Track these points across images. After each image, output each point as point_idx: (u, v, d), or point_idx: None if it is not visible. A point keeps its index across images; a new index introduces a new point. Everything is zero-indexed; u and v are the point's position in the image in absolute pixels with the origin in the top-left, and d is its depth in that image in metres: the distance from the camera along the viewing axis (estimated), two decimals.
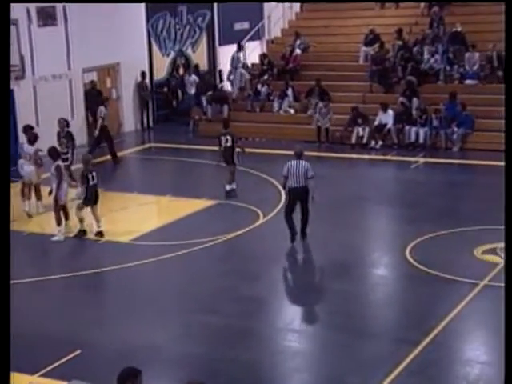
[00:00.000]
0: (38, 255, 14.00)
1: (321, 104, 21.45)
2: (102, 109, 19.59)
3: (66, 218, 14.17)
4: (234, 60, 24.53)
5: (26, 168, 15.26)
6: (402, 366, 8.97)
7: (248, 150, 17.22)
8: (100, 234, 13.84)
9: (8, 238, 6.79)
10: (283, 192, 14.31)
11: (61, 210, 14.01)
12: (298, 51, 24.38)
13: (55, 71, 20.81)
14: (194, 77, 24.34)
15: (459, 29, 22.44)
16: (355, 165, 19.74)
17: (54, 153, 14.12)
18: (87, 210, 13.89)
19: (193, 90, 24.12)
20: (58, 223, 13.86)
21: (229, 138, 16.26)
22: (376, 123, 20.65)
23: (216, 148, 16.60)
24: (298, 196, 13.26)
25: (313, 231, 14.02)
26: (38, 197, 15.48)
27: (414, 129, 20.35)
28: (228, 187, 16.14)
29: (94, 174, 13.97)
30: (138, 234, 13.91)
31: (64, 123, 17.01)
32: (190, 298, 11.34)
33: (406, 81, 21.44)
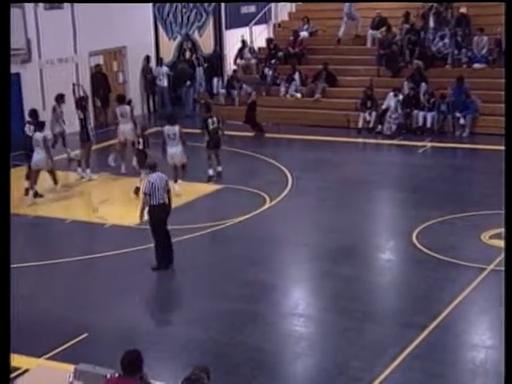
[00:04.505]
0: (45, 239, 14.04)
1: None
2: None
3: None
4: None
5: (36, 155, 15.30)
6: (407, 351, 8.98)
7: (254, 133, 17.22)
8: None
9: (8, 225, 6.80)
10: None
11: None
12: (305, 34, 24.27)
13: (61, 55, 20.75)
14: (165, 68, 23.78)
15: (465, 11, 22.27)
16: (361, 149, 19.68)
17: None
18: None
19: (165, 82, 23.70)
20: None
21: (215, 119, 16.23)
22: (384, 107, 20.55)
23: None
24: (165, 214, 11.68)
25: (320, 216, 14.02)
26: (55, 181, 15.64)
27: (421, 113, 20.26)
28: (212, 171, 16.06)
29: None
30: (144, 218, 13.90)
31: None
32: (195, 282, 11.35)
33: (413, 65, 21.34)
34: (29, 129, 15.64)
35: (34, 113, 16.01)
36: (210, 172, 16.11)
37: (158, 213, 11.54)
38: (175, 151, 15.26)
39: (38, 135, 15.29)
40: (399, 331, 9.60)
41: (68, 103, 17.78)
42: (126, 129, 16.69)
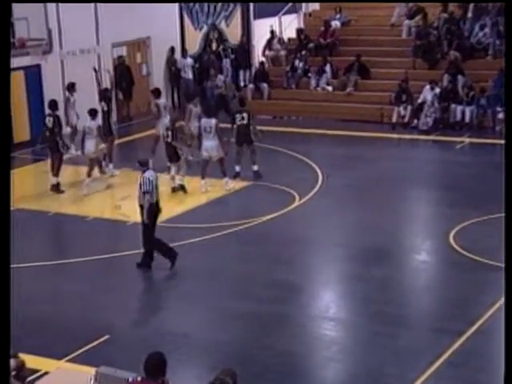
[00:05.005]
0: (66, 237, 14.18)
1: None
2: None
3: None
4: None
5: (88, 144, 15.65)
6: (443, 358, 8.93)
7: (284, 129, 17.19)
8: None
9: (8, 225, 6.90)
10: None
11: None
12: (337, 24, 24.20)
13: (83, 46, 20.90)
14: (190, 60, 23.91)
15: None
16: (396, 145, 19.58)
17: None
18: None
19: (190, 75, 23.83)
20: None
21: (245, 115, 16.20)
22: (420, 101, 20.43)
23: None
24: (156, 214, 11.82)
25: (351, 215, 13.98)
26: (101, 171, 15.98)
27: (459, 107, 20.10)
28: (238, 168, 16.10)
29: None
30: (168, 216, 13.96)
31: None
32: (221, 282, 11.39)
33: (450, 57, 21.16)
34: (49, 121, 15.82)
35: (53, 104, 16.16)
36: (237, 168, 16.13)
37: (155, 211, 11.66)
38: (210, 145, 15.30)
39: (92, 123, 15.67)
40: (434, 337, 9.55)
41: (86, 93, 17.89)
42: (165, 122, 16.76)
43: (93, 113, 15.77)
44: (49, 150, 16.09)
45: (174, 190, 15.30)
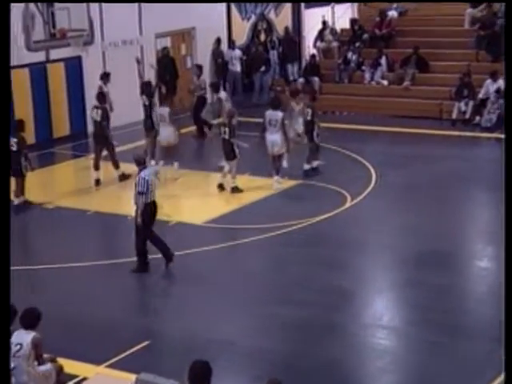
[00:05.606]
0: (107, 236, 14.33)
1: None
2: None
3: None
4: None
5: (163, 131, 16.32)
6: None
7: (336, 125, 17.15)
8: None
9: (8, 225, 7.02)
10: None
11: None
12: (394, 14, 24.04)
13: (126, 36, 21.13)
14: (238, 51, 24.01)
15: None
16: (456, 143, 19.37)
17: None
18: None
19: (238, 67, 23.91)
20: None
21: (309, 111, 16.18)
22: (481, 96, 20.18)
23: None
24: (155, 213, 11.92)
25: (407, 217, 13.87)
26: (177, 158, 16.47)
27: None
28: (306, 166, 16.10)
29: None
30: (212, 216, 14.05)
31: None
32: (267, 287, 11.41)
33: None
34: (96, 113, 16.04)
35: (102, 96, 16.37)
36: (306, 167, 16.17)
37: (151, 211, 11.70)
38: (275, 139, 15.35)
39: (164, 110, 16.33)
40: (496, 349, 9.41)
41: (128, 86, 18.09)
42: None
43: (164, 98, 16.66)
44: (95, 143, 16.30)
45: (233, 190, 15.27)
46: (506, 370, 5.83)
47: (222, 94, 17.80)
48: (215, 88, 18.18)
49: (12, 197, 14.52)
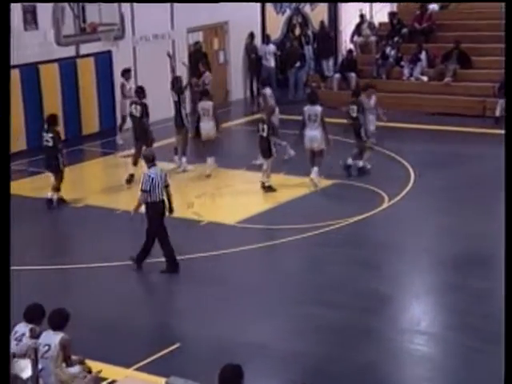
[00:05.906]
0: (136, 236, 14.43)
1: None
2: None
3: None
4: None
5: (204, 125, 16.53)
6: None
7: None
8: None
9: (8, 225, 7.11)
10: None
11: None
12: (434, 7, 23.93)
13: (157, 31, 21.25)
14: (272, 46, 24.04)
15: None
16: (499, 142, 19.19)
17: None
18: None
19: (272, 63, 23.92)
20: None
21: (354, 107, 16.17)
22: None
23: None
24: (163, 213, 11.99)
25: (445, 218, 13.81)
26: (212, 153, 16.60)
27: None
28: (350, 161, 16.09)
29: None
30: (245, 216, 14.09)
31: None
32: (301, 289, 11.42)
33: None
34: (135, 109, 16.17)
35: (141, 91, 16.47)
36: (348, 161, 16.19)
37: (156, 211, 11.74)
38: (315, 134, 15.40)
39: (207, 104, 16.52)
40: None
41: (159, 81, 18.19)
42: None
43: (205, 93, 16.87)
44: (135, 139, 16.42)
45: (264, 188, 15.34)
46: (506, 370, 5.82)
47: (267, 90, 17.79)
48: (264, 84, 18.26)
49: (49, 193, 14.80)
